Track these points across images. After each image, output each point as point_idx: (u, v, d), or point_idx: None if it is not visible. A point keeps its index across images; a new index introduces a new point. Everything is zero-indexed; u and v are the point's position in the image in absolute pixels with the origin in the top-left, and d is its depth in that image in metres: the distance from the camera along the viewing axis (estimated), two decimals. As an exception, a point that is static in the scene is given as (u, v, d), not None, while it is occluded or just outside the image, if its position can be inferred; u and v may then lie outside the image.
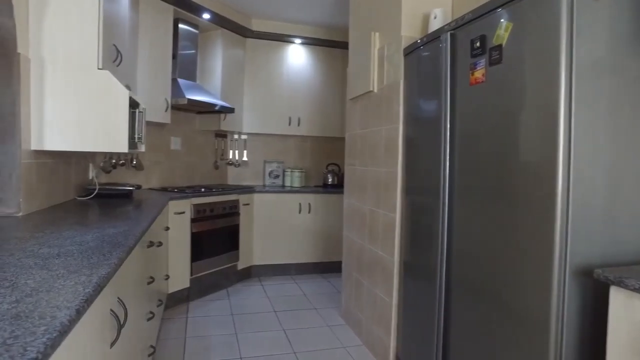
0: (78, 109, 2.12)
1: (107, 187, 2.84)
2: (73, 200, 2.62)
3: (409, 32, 2.29)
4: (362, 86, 2.75)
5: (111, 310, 1.19)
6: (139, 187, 3.12)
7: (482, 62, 1.62)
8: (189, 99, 3.40)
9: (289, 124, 4.43)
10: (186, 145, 4.09)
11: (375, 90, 2.62)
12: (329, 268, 4.38)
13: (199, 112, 4.11)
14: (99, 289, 0.96)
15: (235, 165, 4.58)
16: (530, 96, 1.39)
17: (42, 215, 1.98)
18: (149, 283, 2.01)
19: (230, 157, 4.58)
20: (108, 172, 3.30)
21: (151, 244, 2.06)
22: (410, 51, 2.20)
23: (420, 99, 2.12)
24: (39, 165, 2.16)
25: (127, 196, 2.90)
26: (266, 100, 4.37)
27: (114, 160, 3.34)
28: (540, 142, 1.34)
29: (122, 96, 2.17)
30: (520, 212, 1.42)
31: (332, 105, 4.59)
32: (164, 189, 3.56)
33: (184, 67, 3.76)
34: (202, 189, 3.62)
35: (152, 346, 2.10)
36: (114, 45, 2.39)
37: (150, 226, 2.04)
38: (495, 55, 1.54)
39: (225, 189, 3.82)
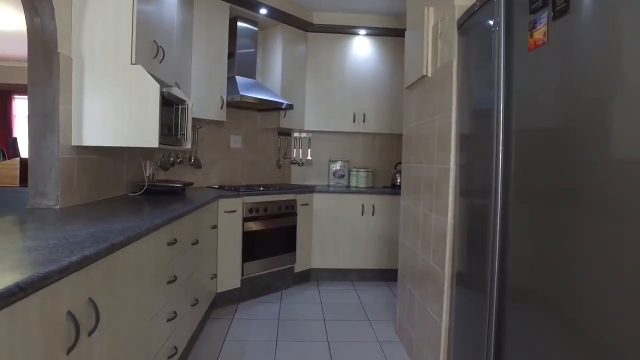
0: (113, 105, 2.12)
1: (157, 184, 2.88)
2: (124, 195, 2.67)
3: (464, 1, 1.91)
4: (416, 71, 2.41)
5: (69, 312, 1.07)
6: (189, 184, 3.12)
7: (544, 17, 1.22)
8: (242, 96, 3.34)
9: (354, 121, 4.18)
10: (247, 143, 4.06)
11: (429, 75, 2.27)
12: (394, 276, 4.02)
13: (260, 110, 4.06)
14: (21, 288, 0.83)
15: (299, 164, 4.46)
16: (619, 56, 0.99)
17: (77, 209, 2.00)
18: (170, 282, 1.92)
19: (294, 155, 4.46)
20: (166, 169, 3.37)
21: (174, 242, 1.97)
22: (464, 22, 1.83)
23: (474, 80, 1.74)
24: (81, 161, 2.20)
25: (175, 193, 2.90)
26: (329, 96, 4.17)
27: (172, 158, 3.40)
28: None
29: (153, 90, 2.13)
30: (610, 220, 1.01)
31: (401, 100, 4.23)
32: (221, 187, 3.55)
33: (243, 64, 3.72)
34: (260, 188, 3.54)
35: (175, 347, 2.02)
36: (155, 41, 2.38)
37: (173, 223, 1.95)
38: (560, 3, 1.14)
39: (283, 188, 3.70)
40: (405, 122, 2.78)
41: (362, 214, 3.93)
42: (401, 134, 4.28)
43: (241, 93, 3.35)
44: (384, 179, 4.57)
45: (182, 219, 2.11)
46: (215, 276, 3.00)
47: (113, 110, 2.12)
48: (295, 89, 4.03)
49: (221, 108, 3.41)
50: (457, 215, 1.89)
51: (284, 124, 3.94)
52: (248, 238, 3.29)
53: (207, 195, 2.90)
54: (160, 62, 2.47)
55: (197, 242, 2.41)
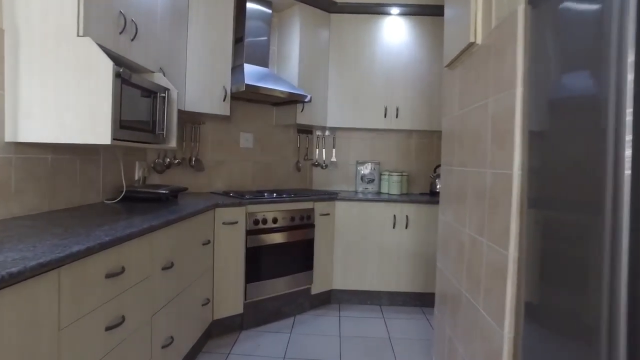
0: (54, 89, 1.64)
1: (138, 189, 2.39)
2: (99, 204, 2.21)
3: None
4: (460, 39, 1.76)
5: None
6: (181, 190, 2.61)
7: None
8: (247, 85, 2.81)
9: (385, 116, 3.55)
10: (260, 142, 3.53)
11: (479, 41, 1.62)
12: (431, 301, 3.35)
13: (275, 105, 3.52)
14: None
15: (321, 167, 3.88)
16: None
17: (8, 224, 1.52)
18: (111, 327, 1.39)
19: (316, 156, 3.89)
20: (161, 172, 2.89)
21: (120, 272, 1.44)
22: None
23: (560, 42, 1.09)
24: (22, 162, 1.74)
25: (160, 200, 2.40)
26: (356, 87, 3.56)
27: (168, 159, 2.93)
28: None
29: (104, 69, 1.62)
30: None
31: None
32: (226, 193, 3.03)
33: (253, 51, 3.19)
34: (273, 194, 3.00)
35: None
36: (122, 12, 1.88)
37: (123, 245, 1.43)
38: None
39: (299, 194, 3.13)
40: (445, 112, 2.14)
41: (394, 227, 3.29)
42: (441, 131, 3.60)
43: (246, 82, 2.82)
44: (421, 185, 3.90)
45: (148, 236, 1.59)
46: (209, 301, 2.47)
47: (55, 96, 1.63)
48: (316, 80, 3.46)
49: (224, 100, 2.89)
50: (525, 243, 1.24)
51: (303, 119, 3.37)
52: (253, 255, 2.75)
53: (201, 203, 2.38)
54: (131, 40, 1.97)
55: (171, 265, 1.88)
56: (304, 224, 3.04)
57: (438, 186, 3.62)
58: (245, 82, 2.82)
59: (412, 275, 3.31)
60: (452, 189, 1.96)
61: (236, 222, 2.65)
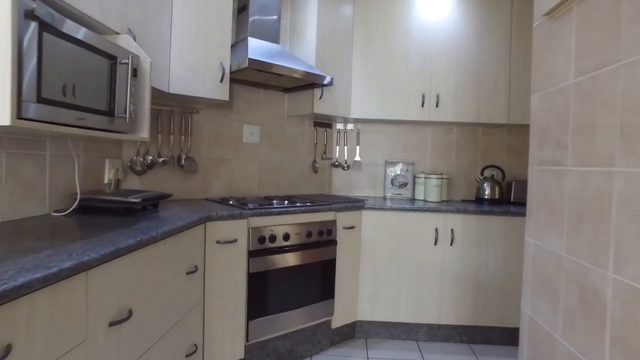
0: None
1: (97, 197, 1.75)
2: (44, 217, 1.57)
3: None
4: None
5: None
6: (164, 196, 1.96)
7: None
8: (251, 61, 2.16)
9: (422, 105, 2.87)
10: (269, 137, 2.88)
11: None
12: (482, 337, 2.65)
13: (287, 91, 2.87)
14: None
15: (343, 168, 3.22)
16: None
17: None
18: None
19: (337, 155, 3.23)
20: (140, 173, 2.26)
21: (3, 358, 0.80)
22: None
23: None
24: None
25: (132, 211, 1.76)
26: (386, 71, 2.89)
27: (150, 157, 2.29)
28: None
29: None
30: None
31: (494, 76, 2.86)
32: (224, 201, 2.38)
33: (260, 23, 2.55)
34: (284, 202, 2.35)
35: None
36: None
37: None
38: None
39: (316, 201, 2.47)
40: (537, 85, 1.45)
41: (436, 243, 2.61)
42: (490, 125, 2.87)
43: (250, 57, 2.17)
44: (463, 190, 3.21)
45: (81, 276, 0.94)
46: (196, 349, 1.82)
47: None
48: (337, 62, 2.80)
49: (221, 81, 2.24)
50: None
51: (321, 108, 2.71)
52: (257, 282, 2.09)
53: (187, 216, 1.74)
54: (77, -22, 1.33)
55: (128, 315, 1.23)
56: (323, 241, 2.38)
57: (486, 191, 2.93)
58: (249, 56, 2.17)
59: (458, 304, 2.62)
60: (555, 200, 1.28)
61: (235, 241, 2.00)
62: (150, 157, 2.29)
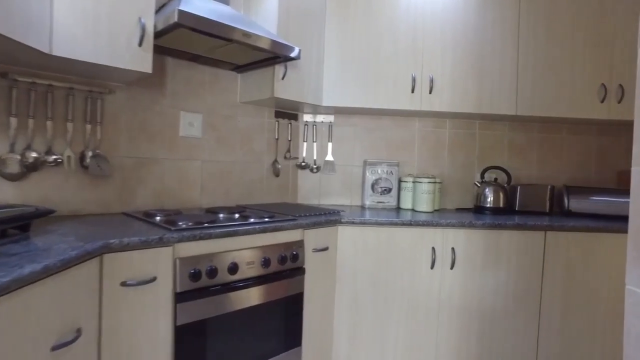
0: None
1: None
2: None
3: None
4: None
5: None
6: (39, 214, 1.25)
7: None
8: (182, 13, 1.49)
9: (412, 91, 2.28)
10: (215, 130, 2.20)
11: None
12: (494, 387, 2.09)
13: (240, 69, 2.20)
14: None
15: (311, 170, 2.59)
16: None
17: None
18: None
19: (303, 154, 2.59)
20: (15, 177, 1.53)
21: None
22: None
23: None
24: None
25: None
26: (367, 48, 2.29)
27: (34, 154, 1.57)
28: None
29: None
30: None
31: (499, 57, 2.31)
32: (148, 216, 1.69)
33: (201, -30, 1.87)
34: (221, 215, 1.69)
35: None
36: None
37: None
38: None
39: (277, 215, 1.83)
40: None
41: (433, 266, 2.02)
42: (495, 116, 2.28)
43: (181, 8, 1.50)
44: (459, 196, 2.65)
45: None
46: None
47: None
48: (305, 34, 2.16)
49: (140, 45, 1.55)
50: None
51: (285, 92, 2.07)
52: (190, 338, 1.42)
53: (66, 247, 1.06)
54: None
55: None
56: (286, 270, 1.73)
57: (489, 199, 2.38)
58: (180, 7, 1.49)
59: (460, 344, 2.05)
60: None
61: (152, 280, 1.32)
62: (34, 154, 1.56)
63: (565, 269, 2.07)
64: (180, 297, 1.39)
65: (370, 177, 2.52)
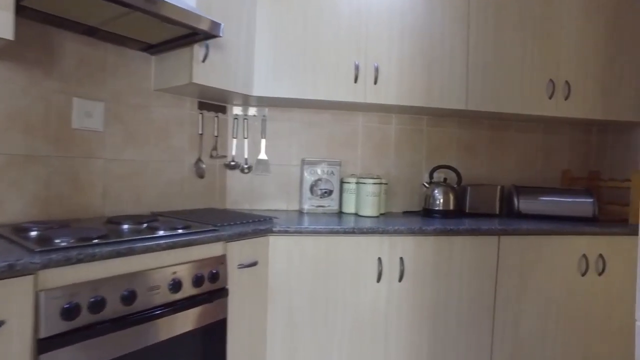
0: None
1: None
2: None
3: None
4: None
5: None
6: None
7: None
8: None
9: (355, 81, 2.03)
10: (121, 122, 1.81)
11: None
12: (446, 411, 1.89)
13: (153, 49, 1.82)
14: None
15: (242, 170, 2.26)
16: None
17: None
18: None
19: (233, 152, 2.26)
20: None
21: None
22: None
23: None
24: None
25: None
26: (306, 31, 2.01)
27: None
28: None
29: None
30: None
31: (449, 47, 2.12)
32: (14, 233, 1.29)
33: None
34: (125, 227, 1.34)
35: None
36: None
37: None
38: None
39: (193, 227, 1.49)
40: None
41: (379, 279, 1.78)
42: (444, 111, 2.09)
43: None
44: (406, 198, 2.45)
45: None
46: None
47: None
48: (232, 10, 1.84)
49: (-5, 2, 1.15)
50: None
51: (207, 78, 1.73)
52: (61, 397, 1.05)
53: None
54: None
55: None
56: (203, 294, 1.40)
57: (438, 201, 2.19)
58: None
59: (411, 368, 1.82)
60: None
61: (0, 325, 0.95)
62: None
63: (518, 274, 1.92)
64: (44, 345, 1.02)
65: (308, 178, 2.24)
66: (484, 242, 1.88)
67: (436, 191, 2.20)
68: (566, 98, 2.24)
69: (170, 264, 1.30)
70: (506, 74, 2.17)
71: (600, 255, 2.00)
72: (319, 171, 2.25)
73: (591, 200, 2.21)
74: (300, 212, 2.21)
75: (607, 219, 2.24)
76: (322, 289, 1.74)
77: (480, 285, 1.88)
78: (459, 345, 1.87)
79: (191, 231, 1.42)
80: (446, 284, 1.85)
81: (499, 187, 2.30)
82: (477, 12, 2.14)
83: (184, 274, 1.33)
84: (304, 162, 2.25)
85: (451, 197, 2.18)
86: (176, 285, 1.30)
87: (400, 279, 1.80)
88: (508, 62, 2.18)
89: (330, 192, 2.26)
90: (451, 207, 2.17)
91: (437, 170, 2.33)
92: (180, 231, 1.41)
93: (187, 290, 1.34)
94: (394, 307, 1.80)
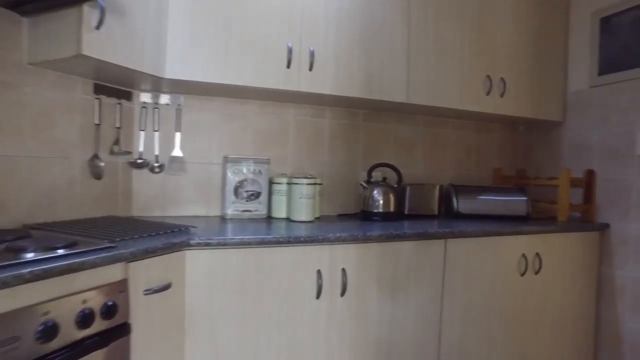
0: None
1: None
2: None
3: None
4: None
5: None
6: None
7: None
8: None
9: (288, 66, 1.76)
10: (-21, 105, 1.36)
11: None
12: None
13: (24, 6, 1.37)
14: None
15: (152, 170, 1.88)
16: None
17: None
18: None
19: (141, 148, 1.87)
20: None
21: None
22: None
23: None
24: None
25: None
26: (230, 4, 1.68)
27: None
28: None
29: None
30: None
31: (388, 34, 1.94)
32: None
33: None
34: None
35: None
36: None
37: None
38: None
39: (80, 242, 1.11)
40: None
41: (319, 295, 1.54)
42: (384, 103, 1.94)
43: None
44: (342, 199, 2.24)
45: None
46: None
47: None
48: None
49: None
50: None
51: (101, 51, 1.34)
52: None
53: None
54: None
55: None
56: (93, 336, 1.04)
57: (378, 202, 2.00)
58: None
59: (355, 393, 1.60)
60: None
61: None
62: None
63: (463, 279, 1.80)
64: None
65: (232, 179, 1.93)
66: (431, 247, 1.72)
67: (375, 192, 2.01)
68: (502, 95, 2.19)
69: (41, 301, 0.93)
70: (447, 68, 2.06)
71: (537, 254, 1.97)
72: (244, 170, 1.95)
73: (525, 198, 2.18)
74: (223, 219, 1.89)
75: (538, 217, 2.24)
76: (252, 311, 1.45)
77: (426, 294, 1.72)
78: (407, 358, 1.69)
79: (76, 250, 1.05)
80: (391, 296, 1.66)
81: (438, 186, 2.19)
82: (418, 3, 1.99)
83: (63, 312, 0.96)
84: (226, 160, 1.93)
85: (391, 198, 2.01)
86: (49, 331, 0.92)
87: (343, 294, 1.58)
88: (448, 55, 2.07)
89: (257, 195, 1.97)
90: (392, 209, 2.00)
91: (376, 168, 2.15)
92: (60, 252, 1.03)
93: (68, 335, 0.97)
94: (336, 326, 1.57)
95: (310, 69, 1.79)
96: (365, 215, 2.02)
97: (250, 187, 1.96)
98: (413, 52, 1.98)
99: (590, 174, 2.24)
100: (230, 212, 1.92)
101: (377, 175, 2.16)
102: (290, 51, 1.75)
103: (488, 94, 2.15)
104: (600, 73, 2.22)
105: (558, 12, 2.36)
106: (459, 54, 2.09)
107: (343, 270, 1.58)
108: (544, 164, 2.56)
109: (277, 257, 1.48)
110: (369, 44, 1.90)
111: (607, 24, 2.21)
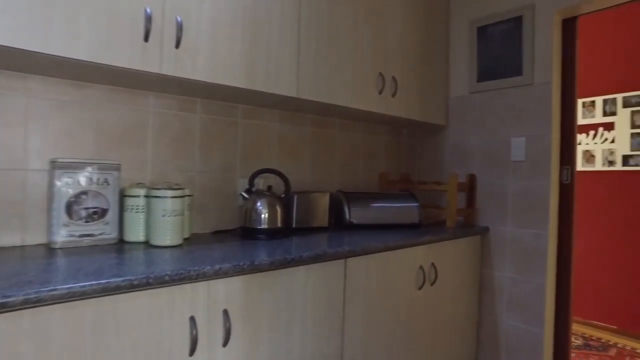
0: None
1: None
2: None
3: None
4: None
5: None
6: None
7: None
8: None
9: (146, 39, 1.30)
10: None
11: None
12: None
13: None
14: None
15: None
16: None
17: None
18: None
19: None
20: None
21: None
22: None
23: None
24: None
25: None
26: None
27: None
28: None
29: None
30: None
31: (277, 17, 1.61)
32: None
33: None
34: None
35: None
36: None
37: None
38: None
39: None
40: None
41: (193, 351, 1.13)
42: (270, 96, 1.57)
43: None
44: (216, 213, 1.83)
45: None
46: None
47: None
48: None
49: None
50: None
51: None
52: None
53: None
54: None
55: None
56: None
57: (263, 216, 1.66)
58: None
59: None
60: None
61: None
62: None
63: (364, 301, 1.58)
64: None
65: (64, 191, 1.38)
66: (330, 268, 1.46)
67: (259, 204, 1.67)
68: (393, 95, 2.05)
69: None
70: (339, 62, 1.82)
71: (433, 264, 1.87)
72: (82, 180, 1.41)
73: (416, 204, 2.08)
74: (50, 250, 1.33)
75: (428, 223, 2.17)
76: (90, 392, 0.98)
77: (326, 324, 1.45)
78: (303, 411, 1.39)
79: None
80: (286, 336, 1.34)
81: (328, 194, 1.94)
82: (308, -23, 1.71)
83: None
84: (55, 166, 1.37)
85: (278, 210, 1.69)
86: None
87: (226, 343, 1.20)
88: (341, 48, 1.83)
89: (102, 213, 1.45)
90: (279, 224, 1.68)
91: (260, 174, 1.80)
92: None
93: None
94: (216, 387, 1.19)
95: (177, 46, 1.35)
96: (246, 233, 1.66)
97: (91, 203, 1.43)
98: (304, 42, 1.69)
99: (472, 178, 2.25)
100: (60, 239, 1.37)
101: (259, 182, 1.81)
102: (149, 19, 1.29)
103: (380, 92, 1.99)
104: (479, 80, 2.25)
105: (440, 18, 2.34)
106: (353, 45, 1.87)
107: (225, 311, 1.20)
108: (427, 168, 2.53)
109: (130, 307, 1.04)
110: (254, 23, 1.54)
111: (483, 32, 2.24)
